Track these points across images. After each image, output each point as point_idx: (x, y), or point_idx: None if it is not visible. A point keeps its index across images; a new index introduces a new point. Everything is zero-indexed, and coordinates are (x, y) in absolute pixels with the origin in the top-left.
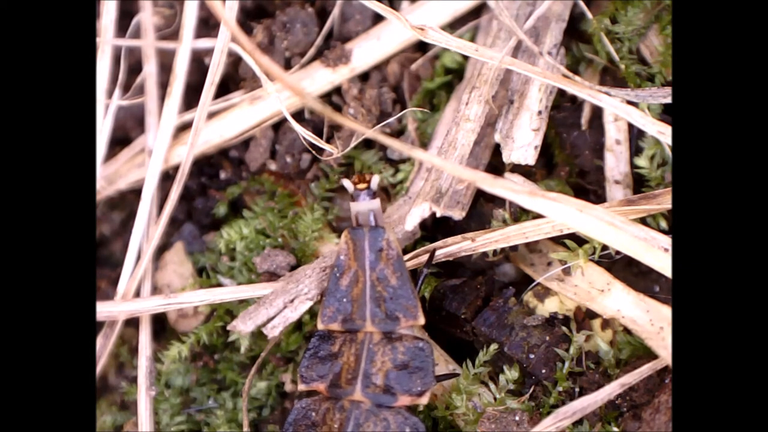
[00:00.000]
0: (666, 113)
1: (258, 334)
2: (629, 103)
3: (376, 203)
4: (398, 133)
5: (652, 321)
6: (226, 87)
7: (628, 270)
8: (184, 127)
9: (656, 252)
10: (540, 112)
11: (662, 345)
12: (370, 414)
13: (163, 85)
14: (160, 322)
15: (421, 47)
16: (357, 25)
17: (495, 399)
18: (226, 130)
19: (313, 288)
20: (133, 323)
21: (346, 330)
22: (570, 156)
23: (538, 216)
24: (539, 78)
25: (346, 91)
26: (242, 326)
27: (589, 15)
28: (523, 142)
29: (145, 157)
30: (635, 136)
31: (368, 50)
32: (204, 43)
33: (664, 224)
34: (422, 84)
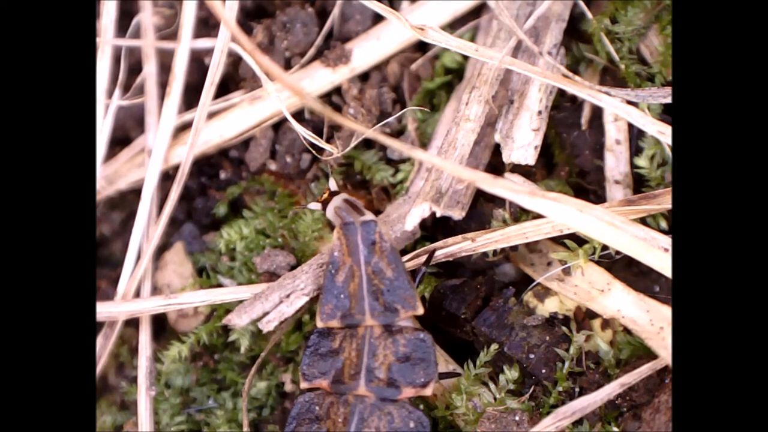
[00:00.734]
0: (666, 113)
1: (258, 334)
2: (629, 103)
3: (340, 197)
4: (398, 133)
5: (652, 321)
6: (226, 87)
7: (628, 270)
8: (184, 127)
9: (656, 252)
10: (540, 112)
11: (662, 345)
12: (375, 408)
13: (163, 85)
14: (160, 322)
15: (421, 47)
16: (357, 25)
17: (495, 399)
18: (226, 130)
19: (310, 283)
20: (133, 323)
21: (346, 326)
22: (570, 156)
23: (538, 216)
24: (539, 78)
25: (346, 91)
26: (237, 320)
27: (589, 15)
28: (523, 142)
29: (145, 157)
30: (635, 136)
31: (368, 50)
32: (204, 43)
33: (664, 224)
34: (422, 84)
